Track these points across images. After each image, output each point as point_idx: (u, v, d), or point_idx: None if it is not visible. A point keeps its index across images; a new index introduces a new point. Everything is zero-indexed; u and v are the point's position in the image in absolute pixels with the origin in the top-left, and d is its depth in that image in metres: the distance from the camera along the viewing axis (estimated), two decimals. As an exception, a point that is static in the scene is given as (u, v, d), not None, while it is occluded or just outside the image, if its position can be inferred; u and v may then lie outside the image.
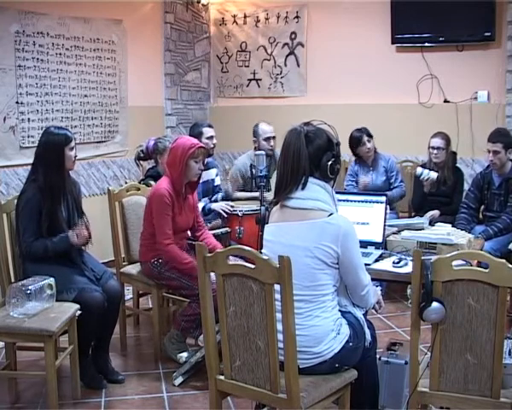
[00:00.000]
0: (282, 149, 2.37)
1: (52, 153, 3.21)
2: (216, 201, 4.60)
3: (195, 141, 3.61)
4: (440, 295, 2.17)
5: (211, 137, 4.55)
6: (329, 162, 2.36)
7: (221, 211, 4.35)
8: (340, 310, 2.39)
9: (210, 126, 4.66)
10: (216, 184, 4.70)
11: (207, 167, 4.57)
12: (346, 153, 4.84)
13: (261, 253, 2.42)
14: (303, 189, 2.33)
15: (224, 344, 2.29)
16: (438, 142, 4.75)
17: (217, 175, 4.72)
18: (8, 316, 2.96)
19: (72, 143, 3.27)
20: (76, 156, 3.32)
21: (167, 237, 3.46)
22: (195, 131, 4.54)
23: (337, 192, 2.53)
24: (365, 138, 4.94)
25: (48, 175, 3.19)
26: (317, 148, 2.35)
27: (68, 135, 3.27)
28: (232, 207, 4.40)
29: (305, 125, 2.39)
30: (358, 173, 5.08)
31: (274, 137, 4.81)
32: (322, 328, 2.30)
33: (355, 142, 4.95)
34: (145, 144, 4.27)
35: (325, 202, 2.33)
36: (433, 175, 4.68)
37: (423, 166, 4.85)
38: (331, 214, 2.31)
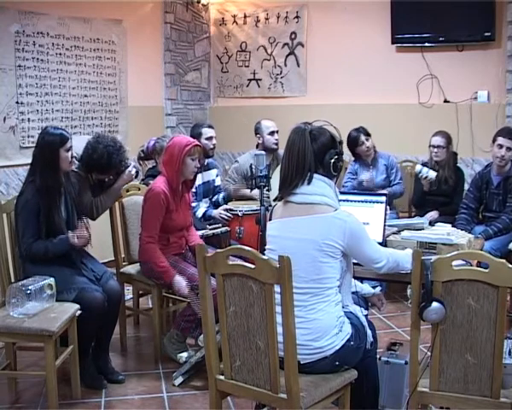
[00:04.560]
0: (287, 146, 2.41)
1: (47, 154, 3.19)
2: (217, 201, 4.60)
3: (191, 139, 3.64)
4: (440, 296, 2.17)
5: (210, 138, 4.55)
6: (333, 160, 2.40)
7: (220, 218, 4.35)
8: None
9: (210, 127, 4.65)
10: (216, 184, 4.69)
11: (208, 168, 4.57)
12: (346, 153, 4.84)
13: (264, 250, 2.45)
14: (309, 184, 2.36)
15: (223, 344, 2.29)
16: (438, 140, 4.75)
17: (217, 176, 4.72)
18: (8, 316, 2.96)
19: (69, 144, 3.24)
20: (74, 157, 3.30)
21: (150, 235, 3.47)
22: (195, 132, 4.54)
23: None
24: (363, 138, 4.93)
25: (44, 176, 3.17)
26: (321, 145, 2.39)
27: (64, 135, 3.24)
28: (231, 210, 4.39)
29: (307, 124, 2.42)
30: (358, 172, 5.08)
31: (277, 132, 4.84)
32: (324, 322, 2.31)
33: (353, 142, 4.95)
34: (146, 144, 4.28)
35: (331, 198, 2.37)
36: (432, 174, 4.68)
37: (424, 164, 4.85)
38: (336, 210, 2.35)
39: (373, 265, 2.47)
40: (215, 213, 4.40)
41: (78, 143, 3.58)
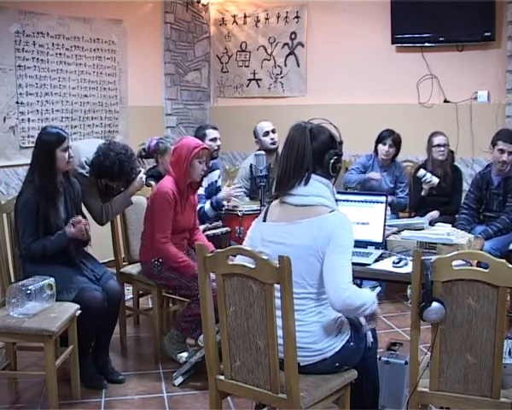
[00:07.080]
0: (286, 144, 2.36)
1: (44, 154, 3.18)
2: (218, 201, 4.58)
3: (200, 142, 3.66)
4: (440, 296, 2.17)
5: (214, 139, 4.55)
6: (332, 160, 2.35)
7: (229, 197, 4.34)
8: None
9: (214, 128, 4.66)
10: (218, 185, 4.69)
11: (211, 169, 4.56)
12: (346, 153, 4.83)
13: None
14: (305, 185, 2.32)
15: (223, 344, 2.28)
16: (443, 139, 4.83)
17: (219, 177, 4.72)
18: (8, 316, 2.96)
19: (65, 144, 3.22)
20: (72, 157, 3.29)
21: (165, 235, 3.48)
22: (199, 134, 4.54)
23: (337, 192, 2.52)
24: (389, 141, 4.96)
25: (41, 176, 3.17)
26: (321, 143, 2.34)
27: (61, 136, 3.22)
28: (237, 196, 4.39)
29: (307, 122, 2.38)
30: (368, 169, 5.07)
31: (274, 131, 4.84)
32: (324, 324, 2.30)
33: (380, 138, 5.00)
34: (147, 143, 4.26)
35: (327, 199, 2.33)
36: (435, 180, 4.71)
37: (424, 167, 4.85)
38: (332, 211, 2.31)
39: (338, 285, 2.21)
40: (222, 195, 4.36)
41: (89, 148, 3.58)
